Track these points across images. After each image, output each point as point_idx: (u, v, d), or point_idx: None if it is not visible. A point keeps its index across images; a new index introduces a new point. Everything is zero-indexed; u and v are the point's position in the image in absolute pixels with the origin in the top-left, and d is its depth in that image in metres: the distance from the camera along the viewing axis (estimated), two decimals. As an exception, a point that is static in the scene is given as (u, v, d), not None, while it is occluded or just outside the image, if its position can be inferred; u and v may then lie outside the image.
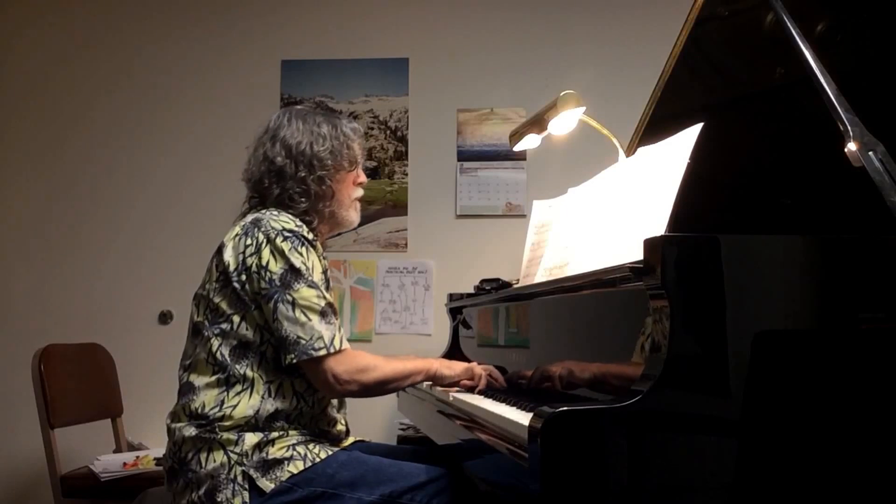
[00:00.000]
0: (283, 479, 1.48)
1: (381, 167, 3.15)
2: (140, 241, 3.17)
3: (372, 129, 3.15)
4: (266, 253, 1.52)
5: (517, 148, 2.24)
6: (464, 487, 1.56)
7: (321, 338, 1.49)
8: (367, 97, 3.17)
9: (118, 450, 2.71)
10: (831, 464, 1.03)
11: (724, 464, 1.02)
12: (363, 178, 1.78)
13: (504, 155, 3.06)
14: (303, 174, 1.64)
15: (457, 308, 2.31)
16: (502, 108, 3.11)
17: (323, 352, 1.49)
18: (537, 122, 2.04)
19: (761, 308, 1.05)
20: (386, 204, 3.13)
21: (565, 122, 1.98)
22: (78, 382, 2.57)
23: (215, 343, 1.54)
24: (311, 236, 1.59)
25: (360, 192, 1.78)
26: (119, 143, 3.22)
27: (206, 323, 1.57)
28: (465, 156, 3.11)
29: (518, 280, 2.02)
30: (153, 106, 3.22)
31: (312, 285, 1.53)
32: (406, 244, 3.10)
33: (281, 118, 1.71)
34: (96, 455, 2.55)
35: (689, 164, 1.28)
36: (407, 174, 3.13)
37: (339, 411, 1.71)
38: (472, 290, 2.34)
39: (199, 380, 1.54)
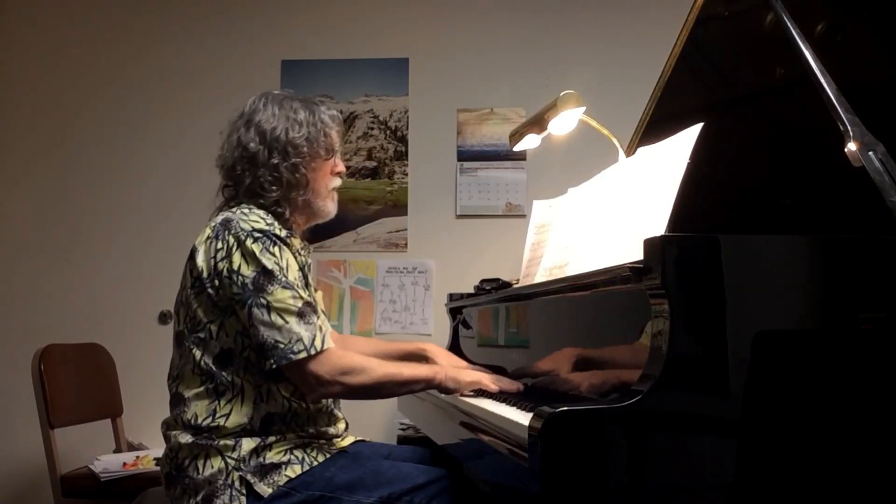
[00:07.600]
0: (281, 483, 1.46)
1: (381, 167, 3.14)
2: (140, 241, 3.16)
3: (372, 129, 3.15)
4: (237, 256, 1.46)
5: (517, 148, 2.23)
6: (464, 488, 1.55)
7: (300, 340, 1.43)
8: (367, 97, 3.17)
9: (118, 450, 2.71)
10: (831, 464, 1.03)
11: (724, 464, 1.01)
12: (341, 167, 1.71)
13: (504, 155, 3.06)
14: (275, 161, 1.57)
15: (457, 308, 2.31)
16: (502, 108, 3.11)
17: (303, 354, 1.43)
18: (537, 122, 2.04)
19: (761, 308, 1.05)
20: (386, 204, 3.13)
21: (565, 122, 1.98)
22: (78, 382, 2.57)
23: (197, 353, 1.51)
24: (283, 233, 1.52)
25: (337, 182, 1.70)
26: (119, 142, 3.22)
27: (186, 332, 1.53)
28: (465, 156, 3.11)
29: (518, 280, 2.02)
30: (153, 106, 3.22)
31: (287, 286, 1.46)
32: (406, 244, 3.10)
33: (256, 102, 1.64)
34: (96, 455, 2.55)
35: (688, 164, 1.28)
36: (407, 174, 3.13)
37: (335, 407, 1.68)
38: (472, 290, 2.33)
39: (188, 391, 1.51)
